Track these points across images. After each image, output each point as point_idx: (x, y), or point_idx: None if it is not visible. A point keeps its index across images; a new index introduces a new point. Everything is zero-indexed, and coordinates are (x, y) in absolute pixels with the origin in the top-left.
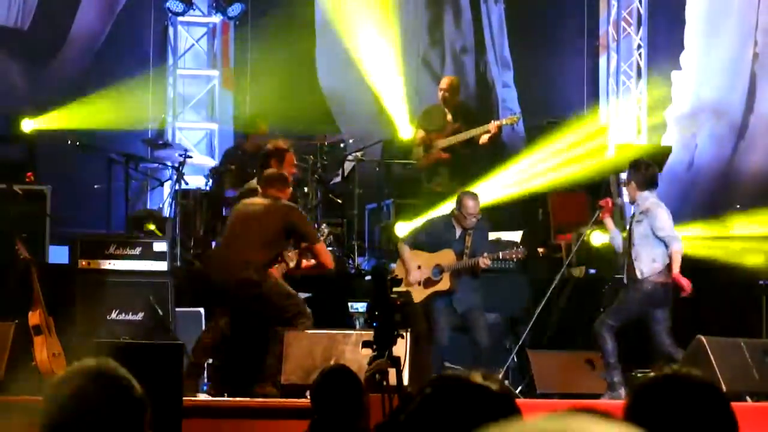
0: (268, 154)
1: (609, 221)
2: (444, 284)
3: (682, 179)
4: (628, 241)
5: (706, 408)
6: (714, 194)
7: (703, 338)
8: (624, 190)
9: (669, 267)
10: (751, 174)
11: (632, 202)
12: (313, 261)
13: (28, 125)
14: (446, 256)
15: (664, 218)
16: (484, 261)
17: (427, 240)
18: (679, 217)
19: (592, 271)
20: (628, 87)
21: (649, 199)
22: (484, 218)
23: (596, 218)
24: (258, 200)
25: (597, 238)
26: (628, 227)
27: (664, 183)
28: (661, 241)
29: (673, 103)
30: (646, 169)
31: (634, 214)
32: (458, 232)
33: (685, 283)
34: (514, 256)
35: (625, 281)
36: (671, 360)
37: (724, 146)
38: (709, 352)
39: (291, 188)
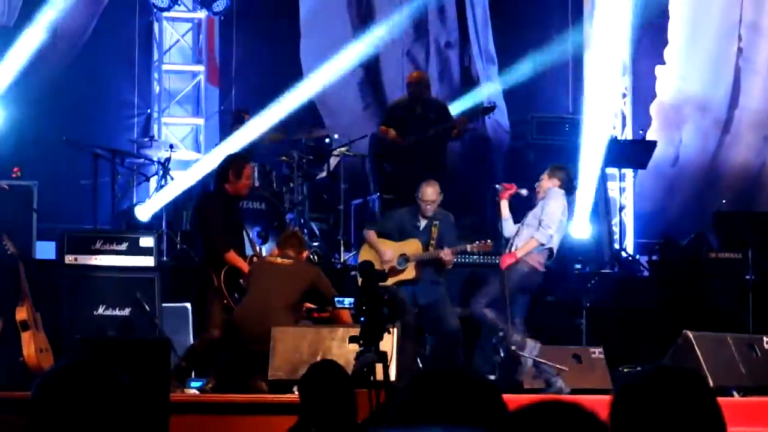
0: (225, 164)
1: (505, 204)
2: (409, 273)
3: (667, 174)
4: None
5: (692, 402)
6: (699, 189)
7: (689, 333)
8: (537, 184)
9: (549, 255)
10: (737, 168)
11: (541, 196)
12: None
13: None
14: (412, 246)
15: (555, 207)
16: (446, 254)
17: (392, 228)
18: (665, 211)
19: (578, 266)
20: (612, 82)
21: (559, 192)
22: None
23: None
24: (279, 261)
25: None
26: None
27: (649, 178)
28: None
29: (657, 97)
30: (573, 179)
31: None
32: (423, 222)
33: (504, 260)
34: (482, 248)
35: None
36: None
37: (708, 141)
38: (696, 347)
39: (306, 250)
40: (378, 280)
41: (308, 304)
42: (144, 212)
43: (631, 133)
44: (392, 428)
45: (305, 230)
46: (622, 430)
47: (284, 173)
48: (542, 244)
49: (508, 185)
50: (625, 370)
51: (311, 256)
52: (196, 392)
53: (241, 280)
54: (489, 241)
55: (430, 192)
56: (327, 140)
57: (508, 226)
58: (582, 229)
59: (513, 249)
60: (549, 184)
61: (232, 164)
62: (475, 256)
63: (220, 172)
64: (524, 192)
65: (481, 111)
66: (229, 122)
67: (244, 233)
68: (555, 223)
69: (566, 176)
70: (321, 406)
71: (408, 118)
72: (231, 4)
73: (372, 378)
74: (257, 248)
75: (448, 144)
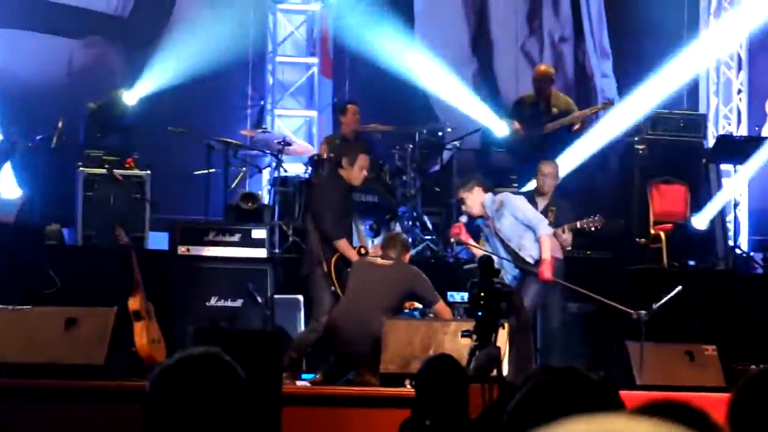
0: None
1: (470, 240)
2: None
3: None
4: (500, 242)
5: None
6: None
7: None
8: (463, 207)
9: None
10: None
11: (478, 215)
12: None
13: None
14: None
15: (521, 204)
16: (561, 233)
17: None
18: None
19: (692, 263)
20: (728, 78)
21: (495, 195)
22: (566, 195)
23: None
24: (379, 262)
25: (694, 228)
26: (487, 236)
27: (765, 175)
28: (527, 227)
29: None
30: (476, 175)
31: (485, 220)
32: (540, 205)
33: (547, 272)
34: (591, 225)
35: (518, 280)
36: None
37: None
38: None
39: (409, 252)
40: (495, 275)
41: (412, 303)
42: None
43: (746, 129)
44: (509, 426)
45: (417, 223)
46: (741, 428)
47: (397, 166)
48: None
49: (455, 229)
50: (739, 367)
51: (424, 250)
52: (307, 384)
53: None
54: (598, 216)
55: (549, 169)
56: (440, 134)
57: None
58: (697, 225)
59: (528, 259)
60: (476, 198)
61: (347, 152)
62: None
63: (333, 157)
64: (464, 219)
65: (602, 107)
66: (338, 114)
67: (353, 225)
68: (538, 215)
69: (478, 180)
70: (436, 400)
71: (533, 113)
72: None
73: (492, 374)
74: (365, 240)
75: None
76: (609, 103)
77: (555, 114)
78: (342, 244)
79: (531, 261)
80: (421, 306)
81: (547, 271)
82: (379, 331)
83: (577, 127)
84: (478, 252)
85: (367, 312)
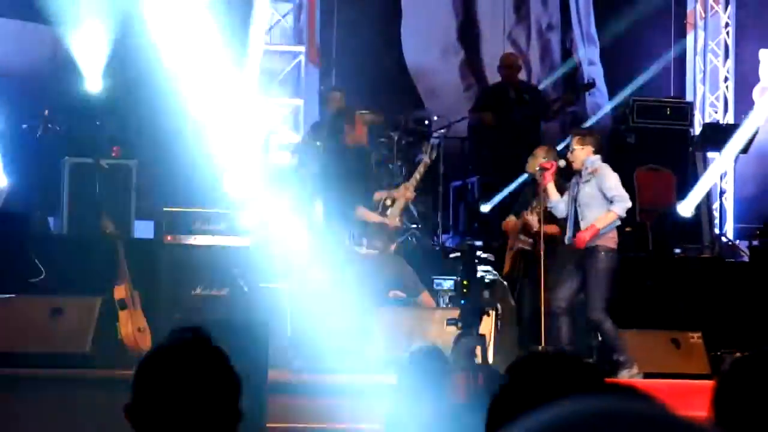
0: (333, 119)
1: (552, 186)
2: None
3: None
4: (573, 204)
5: None
6: None
7: None
8: (570, 155)
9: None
10: None
11: (579, 167)
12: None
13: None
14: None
15: (613, 178)
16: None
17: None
18: (766, 196)
19: (678, 250)
20: (715, 66)
21: (597, 161)
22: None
23: (538, 184)
24: (363, 252)
25: (680, 216)
26: (570, 192)
27: (751, 164)
28: (603, 204)
29: (761, 82)
30: (597, 135)
31: (577, 177)
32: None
33: (581, 238)
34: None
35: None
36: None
37: None
38: None
39: (395, 243)
40: (480, 263)
41: (396, 292)
42: None
43: (732, 117)
44: (493, 412)
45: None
46: (725, 414)
47: (383, 155)
48: (620, 218)
49: (547, 164)
50: (724, 354)
51: (410, 239)
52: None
53: None
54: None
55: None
56: (427, 122)
57: (561, 208)
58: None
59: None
60: (583, 153)
61: (347, 116)
62: None
63: (330, 128)
64: (562, 164)
65: (582, 88)
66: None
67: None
68: (625, 194)
69: (596, 140)
70: (420, 388)
71: (502, 101)
72: None
73: (477, 361)
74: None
75: (544, 125)
76: (591, 85)
77: (527, 101)
78: (361, 212)
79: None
80: (404, 295)
81: (585, 236)
82: (366, 321)
83: (558, 105)
84: (554, 196)
85: (355, 303)
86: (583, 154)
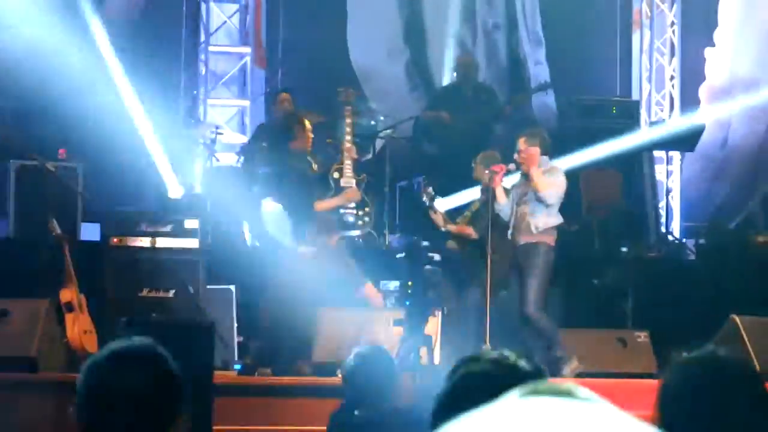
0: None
1: (500, 190)
2: None
3: (716, 157)
4: (518, 201)
5: (741, 387)
6: (748, 172)
7: (736, 318)
8: (518, 156)
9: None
10: None
11: (532, 166)
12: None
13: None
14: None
15: (560, 178)
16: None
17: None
18: (713, 194)
19: (624, 249)
20: (661, 64)
21: (549, 162)
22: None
23: (488, 187)
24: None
25: (626, 214)
26: (513, 193)
27: (697, 161)
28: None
29: (707, 80)
30: (547, 137)
31: (521, 179)
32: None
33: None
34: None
35: (512, 243)
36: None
37: (758, 124)
38: (743, 332)
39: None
40: (424, 264)
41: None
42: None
43: (679, 115)
44: (438, 413)
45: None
46: (670, 414)
47: (329, 155)
48: (556, 216)
49: (498, 167)
50: (672, 354)
51: (356, 239)
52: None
53: None
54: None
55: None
56: (373, 122)
57: (507, 211)
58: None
59: (534, 231)
60: (530, 151)
61: (296, 121)
62: None
63: (282, 134)
64: (512, 167)
65: (537, 88)
66: (271, 103)
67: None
68: (557, 198)
69: (544, 139)
70: (365, 390)
71: (458, 102)
72: None
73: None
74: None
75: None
76: (548, 84)
77: (482, 101)
78: (320, 205)
79: (533, 229)
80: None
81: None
82: (308, 322)
83: (509, 110)
84: (502, 199)
85: (296, 303)
86: (536, 154)
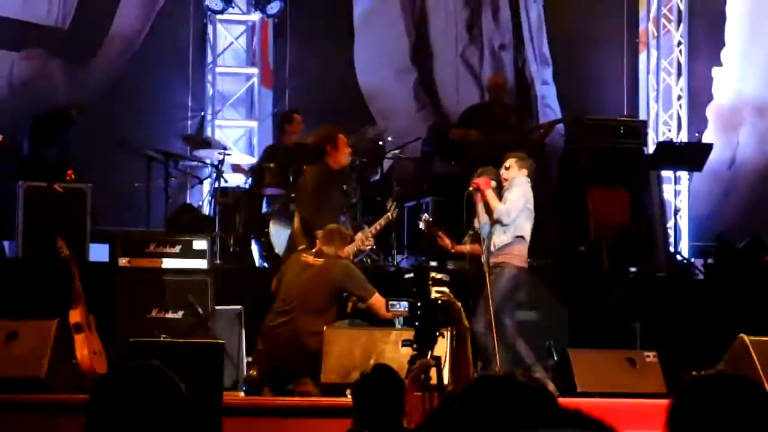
0: (319, 140)
1: (481, 206)
2: None
3: (723, 177)
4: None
5: (751, 408)
6: (756, 191)
7: (745, 338)
8: (503, 172)
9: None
10: None
11: (504, 185)
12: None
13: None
14: None
15: (518, 195)
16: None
17: None
18: (721, 214)
19: (633, 269)
20: (668, 84)
21: (524, 181)
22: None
23: (469, 201)
24: (311, 260)
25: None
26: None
27: (705, 181)
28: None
29: (714, 99)
30: (534, 164)
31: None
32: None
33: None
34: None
35: (486, 265)
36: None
37: (766, 143)
38: (752, 352)
39: (348, 243)
40: (435, 284)
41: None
42: None
43: (686, 135)
44: None
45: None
46: None
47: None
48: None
49: (482, 180)
50: (681, 374)
51: (365, 259)
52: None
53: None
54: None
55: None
56: (381, 143)
57: (487, 229)
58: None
59: (493, 250)
60: (518, 174)
61: (328, 137)
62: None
63: (314, 150)
64: (493, 184)
65: (557, 121)
66: (278, 123)
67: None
68: (513, 210)
69: (532, 167)
70: (374, 410)
71: (489, 121)
72: (285, 7)
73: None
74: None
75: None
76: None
77: (513, 123)
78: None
79: (492, 249)
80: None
81: (479, 182)
82: (311, 339)
83: (539, 135)
84: (482, 216)
85: (293, 320)
86: (517, 174)
